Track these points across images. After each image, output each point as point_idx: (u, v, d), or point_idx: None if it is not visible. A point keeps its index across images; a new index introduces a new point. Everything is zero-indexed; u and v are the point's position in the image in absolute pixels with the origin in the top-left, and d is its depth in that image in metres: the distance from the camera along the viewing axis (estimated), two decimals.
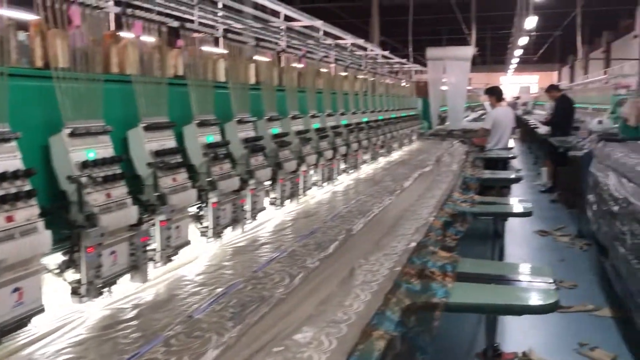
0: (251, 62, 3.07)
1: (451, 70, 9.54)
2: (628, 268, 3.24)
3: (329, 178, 3.82)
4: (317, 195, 3.65)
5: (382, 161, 5.52)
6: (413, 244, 2.29)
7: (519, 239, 6.28)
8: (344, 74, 4.83)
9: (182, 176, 2.10)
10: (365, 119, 5.01)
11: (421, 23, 22.45)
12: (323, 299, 1.73)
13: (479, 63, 32.06)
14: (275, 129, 3.02)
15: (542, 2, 11.83)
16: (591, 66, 29.42)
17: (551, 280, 1.93)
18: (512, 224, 6.94)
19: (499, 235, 6.18)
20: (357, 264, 2.05)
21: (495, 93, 7.53)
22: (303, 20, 3.71)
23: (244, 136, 2.64)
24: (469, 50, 9.77)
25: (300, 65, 3.83)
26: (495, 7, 20.53)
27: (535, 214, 7.60)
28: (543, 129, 11.00)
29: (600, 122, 10.12)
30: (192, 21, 2.69)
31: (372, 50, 6.51)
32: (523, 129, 18.16)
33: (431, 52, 9.63)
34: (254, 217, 2.69)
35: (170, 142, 2.11)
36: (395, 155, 6.21)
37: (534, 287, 1.90)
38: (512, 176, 5.29)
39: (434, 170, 4.92)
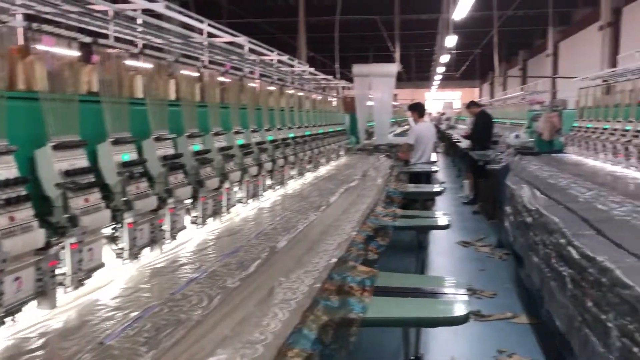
0: (171, 78, 3.02)
1: (377, 87, 9.74)
2: (541, 277, 3.41)
3: (254, 195, 3.79)
4: (242, 212, 3.62)
5: (309, 176, 5.55)
6: (334, 260, 2.31)
7: (443, 250, 6.47)
8: (270, 88, 4.84)
9: (95, 196, 2.03)
10: (292, 135, 5.03)
11: (349, 40, 22.94)
12: (240, 319, 1.70)
13: (405, 79, 33.05)
14: (197, 145, 2.98)
15: (462, 22, 12.36)
16: (509, 83, 31.01)
17: (465, 292, 2.00)
18: (436, 235, 7.15)
19: (422, 248, 6.36)
20: (278, 283, 2.04)
21: (417, 109, 7.77)
22: (225, 37, 3.69)
23: (162, 154, 2.58)
24: (394, 67, 10.01)
25: (227, 80, 3.81)
26: (418, 26, 21.29)
27: (458, 225, 7.91)
28: (465, 143, 11.46)
29: (517, 136, 10.63)
30: (107, 36, 2.62)
31: (298, 67, 6.57)
32: (447, 143, 18.85)
33: (357, 68, 9.80)
34: (173, 237, 2.62)
35: (82, 162, 2.03)
36: (323, 170, 6.27)
37: (448, 300, 1.96)
38: (434, 189, 5.45)
39: (359, 184, 4.99)
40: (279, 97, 4.88)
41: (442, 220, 3.66)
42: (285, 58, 5.05)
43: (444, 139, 19.71)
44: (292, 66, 5.92)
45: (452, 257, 6.22)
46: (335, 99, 8.77)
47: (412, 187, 5.24)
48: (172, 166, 2.58)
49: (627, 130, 5.74)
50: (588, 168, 5.93)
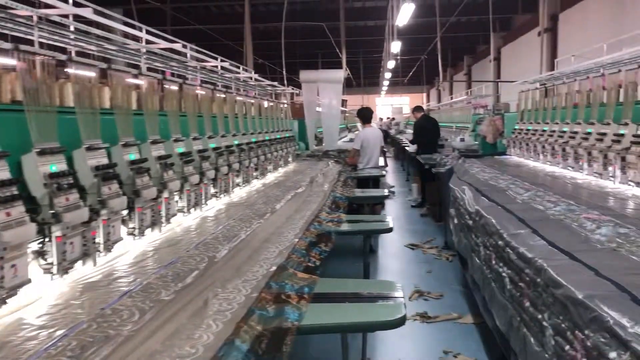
0: (104, 86, 2.93)
1: (324, 93, 9.79)
2: (482, 278, 3.46)
3: (196, 204, 3.72)
4: (184, 222, 3.54)
5: (256, 184, 5.51)
6: (273, 268, 2.28)
7: (392, 253, 6.52)
8: (216, 95, 4.76)
9: (17, 210, 1.93)
10: (237, 142, 4.97)
11: (298, 46, 22.99)
12: (172, 332, 1.65)
13: (355, 85, 33.36)
14: (132, 154, 2.90)
15: (407, 28, 12.57)
16: (456, 87, 31.75)
17: (401, 295, 2.00)
18: (385, 239, 7.22)
19: (371, 252, 6.39)
20: (213, 294, 1.99)
21: (363, 115, 7.82)
22: (161, 43, 3.60)
23: (95, 164, 2.49)
24: (341, 73, 10.09)
25: (168, 87, 3.73)
26: (365, 33, 21.54)
27: (407, 229, 8.00)
28: (412, 147, 11.63)
29: (462, 139, 10.86)
30: (32, 42, 2.51)
31: (242, 73, 6.50)
32: (396, 147, 19.10)
33: (304, 74, 9.82)
34: (108, 249, 2.53)
35: (3, 174, 1.94)
36: (272, 177, 6.23)
37: (386, 304, 1.95)
38: (380, 194, 5.48)
39: (306, 191, 4.97)
40: (222, 104, 4.81)
41: (386, 224, 3.68)
42: (227, 64, 4.98)
43: (394, 144, 19.98)
44: (235, 72, 5.85)
45: (401, 260, 6.26)
46: (282, 105, 8.71)
47: (358, 192, 5.26)
48: (105, 176, 2.49)
49: (564, 132, 5.94)
50: (528, 169, 6.10)
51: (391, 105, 40.63)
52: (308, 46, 23.71)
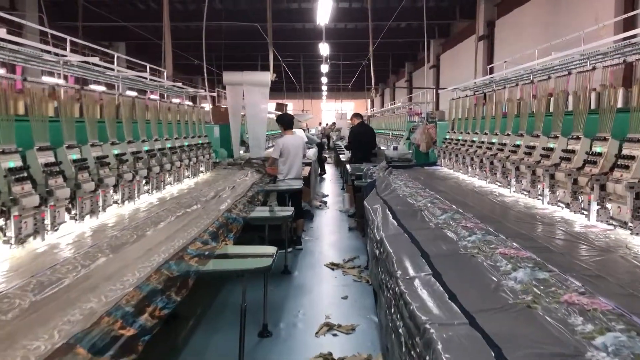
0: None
1: (250, 96, 9.07)
2: (386, 322, 2.87)
3: (36, 231, 2.97)
4: (16, 254, 2.79)
5: (149, 199, 4.78)
6: (53, 348, 1.59)
7: (309, 274, 5.88)
8: (85, 95, 4.01)
9: None
10: (116, 152, 4.23)
11: (237, 47, 22.21)
12: None
13: (299, 90, 32.76)
14: None
15: (346, 32, 12.03)
16: (398, 94, 31.66)
17: None
18: (307, 254, 6.60)
19: (288, 272, 5.74)
20: None
21: (284, 121, 7.15)
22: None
23: None
24: (267, 76, 9.36)
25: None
26: (304, 36, 20.95)
27: (333, 244, 7.38)
28: (347, 154, 11.13)
29: (395, 148, 10.41)
30: None
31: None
32: (336, 155, 18.58)
33: (228, 76, 9.07)
34: None
35: None
36: (174, 189, 5.51)
37: None
38: (287, 214, 4.81)
39: (198, 209, 4.27)
40: (93, 106, 4.04)
41: (263, 261, 3.00)
42: (96, 59, 4.23)
43: (335, 150, 19.47)
44: (122, 71, 5.09)
45: (317, 283, 5.61)
46: (191, 108, 7.91)
47: (258, 212, 4.60)
48: None
49: (492, 144, 5.49)
50: (454, 183, 5.62)
51: (335, 111, 40.26)
52: (248, 48, 22.97)
